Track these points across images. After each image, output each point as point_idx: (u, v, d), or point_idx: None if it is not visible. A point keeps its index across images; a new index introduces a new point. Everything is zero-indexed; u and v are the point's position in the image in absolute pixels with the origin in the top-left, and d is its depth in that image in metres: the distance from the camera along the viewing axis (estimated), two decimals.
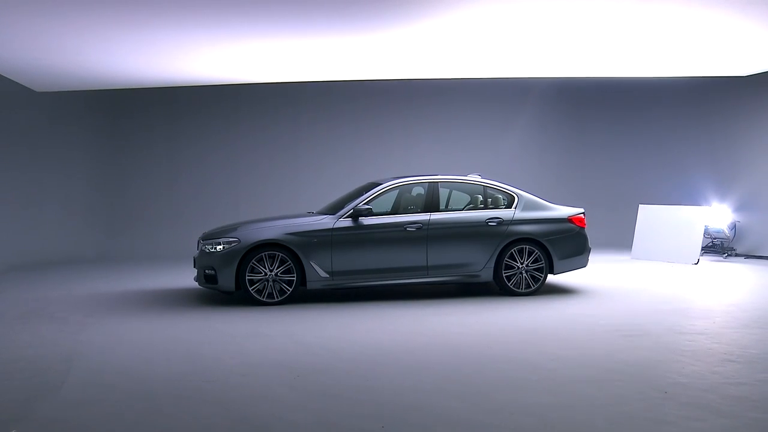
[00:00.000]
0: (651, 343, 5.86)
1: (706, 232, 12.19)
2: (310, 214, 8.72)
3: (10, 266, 11.23)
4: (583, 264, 8.63)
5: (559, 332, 6.32)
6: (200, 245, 8.14)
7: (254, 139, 14.35)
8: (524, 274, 8.22)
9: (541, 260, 8.25)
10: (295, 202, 13.87)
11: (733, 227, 12.38)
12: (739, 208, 12.47)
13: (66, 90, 11.88)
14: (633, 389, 4.56)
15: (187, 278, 9.54)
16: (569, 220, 8.50)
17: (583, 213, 8.68)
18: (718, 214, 12.39)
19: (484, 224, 8.20)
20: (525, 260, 8.22)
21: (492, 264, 8.16)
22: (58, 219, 12.87)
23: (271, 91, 13.71)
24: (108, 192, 13.84)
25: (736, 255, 12.20)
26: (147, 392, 4.65)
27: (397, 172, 14.06)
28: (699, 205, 12.70)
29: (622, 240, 13.46)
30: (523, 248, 8.23)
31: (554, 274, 8.46)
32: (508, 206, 8.40)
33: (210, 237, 8.08)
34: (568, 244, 8.42)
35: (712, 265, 11.34)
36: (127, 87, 12.07)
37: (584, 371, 5.01)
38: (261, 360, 5.46)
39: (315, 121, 14.49)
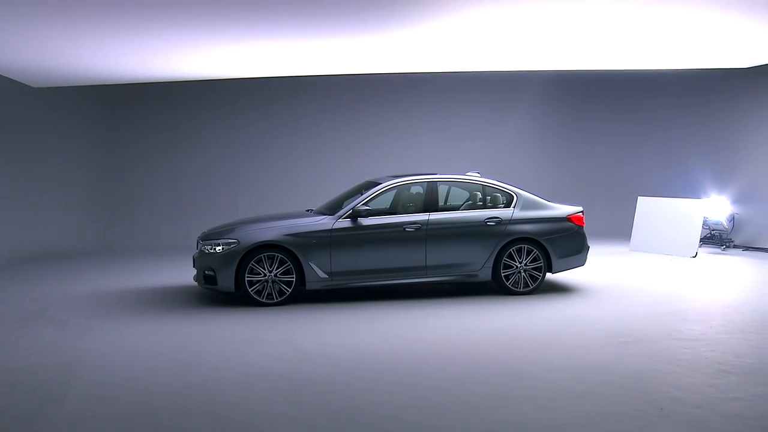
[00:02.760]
0: (648, 350, 5.90)
1: (705, 224, 12.21)
2: (309, 212, 8.75)
3: (10, 260, 11.26)
4: (582, 263, 8.66)
5: (556, 339, 6.36)
6: (199, 245, 8.15)
7: (253, 130, 14.32)
8: (523, 274, 8.25)
9: (539, 259, 8.28)
10: (294, 193, 13.90)
11: (732, 219, 12.40)
12: (737, 200, 12.49)
13: (63, 86, 11.81)
14: (629, 405, 4.60)
15: (186, 274, 9.57)
16: (568, 219, 8.51)
17: (581, 211, 8.68)
18: (716, 206, 12.40)
19: (482, 224, 8.21)
20: (523, 259, 8.25)
21: (491, 263, 8.19)
22: (57, 211, 12.87)
23: (269, 84, 13.65)
24: (107, 184, 13.84)
25: (734, 247, 12.24)
26: (148, 406, 4.70)
27: (395, 163, 14.11)
28: (698, 196, 12.72)
29: (620, 230, 13.50)
30: (521, 248, 8.25)
31: (553, 273, 8.49)
32: (507, 205, 8.40)
33: (209, 237, 8.09)
34: (566, 243, 8.44)
35: (710, 258, 11.38)
36: (123, 83, 12.00)
37: (581, 384, 5.05)
38: (260, 370, 5.49)
39: (313, 112, 14.45)
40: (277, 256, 7.76)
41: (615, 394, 4.81)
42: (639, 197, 12.70)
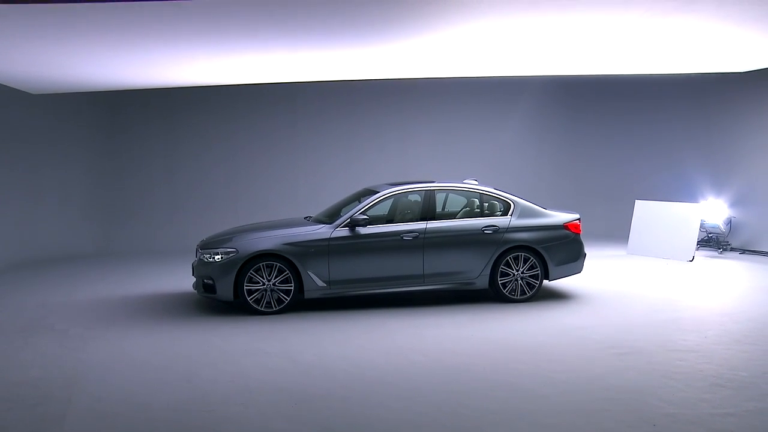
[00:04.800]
0: (642, 362, 5.95)
1: (702, 227, 12.27)
2: (308, 219, 8.80)
3: (10, 263, 11.32)
4: (578, 270, 8.71)
5: (552, 350, 6.41)
6: (198, 254, 8.20)
7: (252, 134, 14.36)
8: (520, 281, 8.31)
9: (536, 267, 8.33)
10: (293, 197, 13.94)
11: (729, 222, 12.46)
12: (734, 204, 12.54)
13: (62, 92, 11.84)
14: (622, 421, 4.66)
15: (185, 279, 9.62)
16: (565, 226, 8.55)
17: (578, 219, 8.73)
18: (714, 210, 12.46)
19: (480, 232, 8.26)
20: (521, 267, 8.30)
21: (488, 271, 8.24)
22: (57, 215, 12.93)
23: (268, 88, 13.67)
24: (106, 187, 13.88)
25: (731, 249, 12.30)
26: (148, 423, 4.74)
27: (393, 167, 14.16)
28: (695, 199, 12.79)
29: (618, 233, 13.56)
30: (518, 255, 8.30)
31: (550, 281, 8.55)
32: (504, 213, 8.45)
33: (208, 246, 8.14)
34: (563, 250, 8.49)
35: (707, 261, 11.43)
36: (122, 89, 12.04)
37: (575, 399, 5.11)
38: (259, 383, 5.54)
39: (312, 114, 14.49)
40: (276, 265, 7.81)
41: (608, 410, 4.87)
42: (636, 201, 12.76)
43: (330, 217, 8.48)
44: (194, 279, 8.27)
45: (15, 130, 11.78)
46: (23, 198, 12.02)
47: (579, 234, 8.67)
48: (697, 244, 11.88)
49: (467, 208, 8.61)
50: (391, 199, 8.55)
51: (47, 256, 12.24)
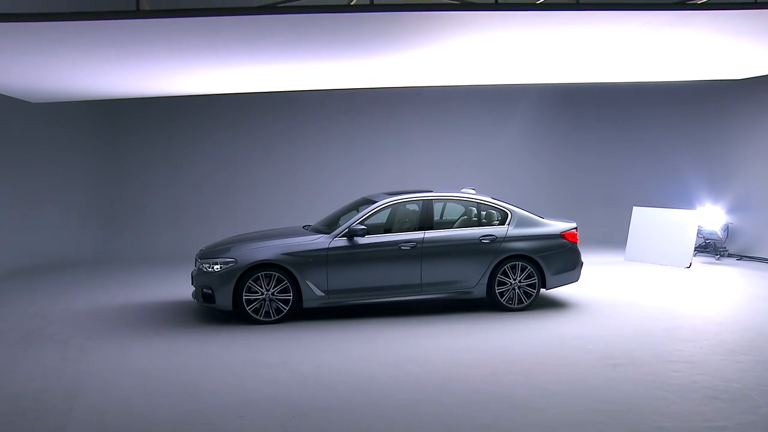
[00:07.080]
0: (637, 373, 6.01)
1: (700, 233, 12.33)
2: (307, 228, 8.86)
3: (10, 270, 11.37)
4: (575, 279, 8.76)
5: (547, 360, 6.46)
6: (197, 263, 8.26)
7: (251, 141, 14.42)
8: (517, 290, 8.36)
9: (533, 276, 8.39)
10: (292, 203, 14.01)
11: (726, 229, 12.52)
12: (732, 210, 12.60)
13: (61, 101, 11.90)
14: None
15: (184, 287, 9.66)
16: (562, 235, 8.61)
17: (575, 228, 8.78)
18: (711, 216, 12.51)
19: (477, 242, 8.31)
20: (518, 276, 8.36)
21: (485, 280, 8.30)
22: (57, 221, 12.99)
23: (267, 96, 13.71)
24: (105, 194, 13.94)
25: (729, 256, 12.35)
26: None
27: (391, 173, 14.21)
28: (693, 206, 12.85)
29: (616, 238, 13.61)
30: (515, 264, 8.36)
31: (547, 290, 8.61)
32: (502, 223, 8.51)
33: (207, 256, 8.20)
34: (560, 259, 8.55)
35: (705, 268, 11.49)
36: (122, 98, 12.10)
37: (570, 411, 5.16)
38: (258, 395, 5.60)
39: (311, 122, 14.56)
40: (275, 274, 7.86)
41: (602, 422, 4.92)
42: (634, 207, 12.82)
43: (328, 226, 8.54)
44: (193, 288, 8.32)
45: (14, 138, 11.84)
46: (23, 205, 12.08)
47: (576, 243, 8.73)
48: (695, 251, 11.94)
49: (465, 218, 8.67)
50: (389, 209, 8.61)
51: (47, 263, 12.29)
